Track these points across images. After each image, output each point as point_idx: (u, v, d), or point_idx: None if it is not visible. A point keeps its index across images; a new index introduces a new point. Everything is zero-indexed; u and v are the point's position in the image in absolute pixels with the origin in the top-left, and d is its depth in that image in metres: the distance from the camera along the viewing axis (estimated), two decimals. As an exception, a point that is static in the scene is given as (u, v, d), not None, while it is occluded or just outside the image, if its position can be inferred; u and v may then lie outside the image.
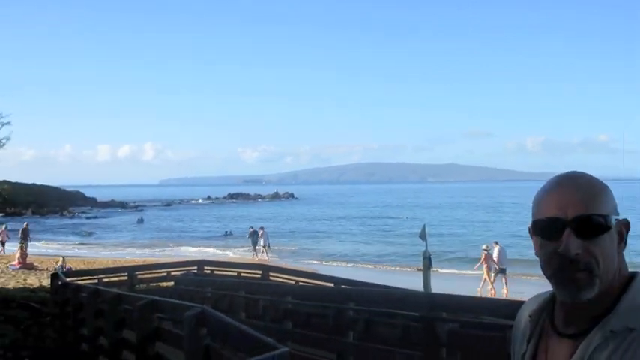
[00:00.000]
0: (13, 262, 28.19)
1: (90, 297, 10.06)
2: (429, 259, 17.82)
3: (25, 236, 33.72)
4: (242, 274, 17.12)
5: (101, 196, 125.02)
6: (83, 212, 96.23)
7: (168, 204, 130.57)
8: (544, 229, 1.42)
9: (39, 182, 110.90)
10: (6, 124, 33.11)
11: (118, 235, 58.12)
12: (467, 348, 6.26)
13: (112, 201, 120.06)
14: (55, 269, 20.97)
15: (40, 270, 26.85)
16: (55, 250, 38.73)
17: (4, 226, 37.81)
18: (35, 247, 34.80)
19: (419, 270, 20.53)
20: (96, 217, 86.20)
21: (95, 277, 17.14)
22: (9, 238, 37.03)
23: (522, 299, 1.68)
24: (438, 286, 15.34)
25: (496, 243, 22.45)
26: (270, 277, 16.14)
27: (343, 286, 11.67)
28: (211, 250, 40.90)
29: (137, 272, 17.87)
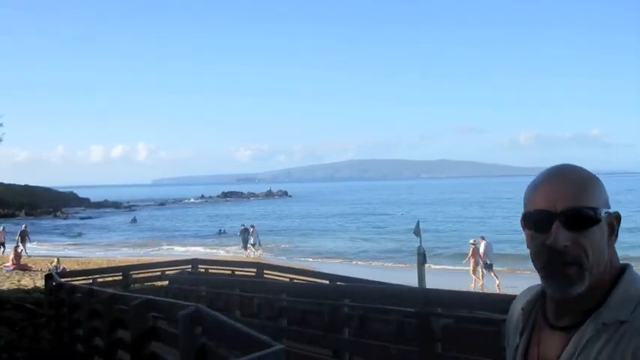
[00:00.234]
0: (7, 264, 28.03)
1: (85, 297, 10.02)
2: (424, 255, 17.81)
3: (24, 238, 33.60)
4: (236, 273, 17.11)
5: (94, 197, 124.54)
6: (76, 213, 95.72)
7: (162, 203, 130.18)
8: (534, 222, 1.42)
9: (32, 183, 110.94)
10: (-2, 125, 32.86)
11: (111, 235, 57.91)
12: (462, 343, 6.28)
13: (106, 201, 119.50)
14: (50, 270, 20.90)
15: (34, 271, 26.70)
16: (48, 251, 38.55)
17: (1, 227, 37.59)
18: (28, 249, 34.59)
19: (410, 266, 20.56)
20: (89, 218, 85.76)
21: (89, 277, 17.11)
22: (4, 240, 36.82)
23: (516, 294, 1.69)
24: (432, 282, 15.33)
25: (482, 238, 22.73)
26: (265, 275, 16.14)
27: (338, 283, 11.68)
28: (205, 248, 40.85)
29: (131, 272, 17.84)
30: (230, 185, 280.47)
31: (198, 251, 37.69)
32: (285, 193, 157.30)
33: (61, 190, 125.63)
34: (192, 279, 15.44)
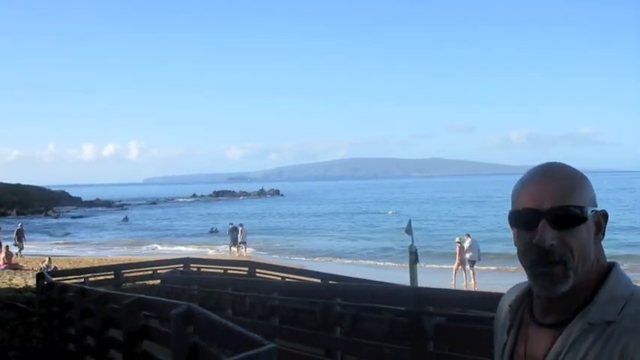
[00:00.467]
0: (-2, 263, 27.92)
1: (76, 296, 9.99)
2: (416, 254, 17.85)
3: (20, 237, 33.40)
4: (228, 272, 17.12)
5: (86, 196, 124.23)
6: (68, 212, 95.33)
7: (154, 202, 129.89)
8: (521, 220, 1.42)
9: (24, 182, 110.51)
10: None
11: (103, 234, 57.70)
12: (454, 341, 6.30)
13: (97, 200, 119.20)
14: (41, 269, 20.82)
15: (26, 270, 26.61)
16: (38, 251, 38.36)
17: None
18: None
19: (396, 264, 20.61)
20: (81, 217, 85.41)
21: (81, 276, 17.08)
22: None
23: (504, 292, 1.70)
24: (424, 281, 15.36)
25: (468, 235, 22.91)
26: (257, 274, 16.15)
27: (330, 282, 11.70)
28: (197, 247, 40.75)
29: (123, 271, 17.82)
30: (222, 184, 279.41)
31: (190, 250, 37.69)
32: (277, 192, 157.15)
33: (52, 188, 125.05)
34: (184, 278, 15.44)
